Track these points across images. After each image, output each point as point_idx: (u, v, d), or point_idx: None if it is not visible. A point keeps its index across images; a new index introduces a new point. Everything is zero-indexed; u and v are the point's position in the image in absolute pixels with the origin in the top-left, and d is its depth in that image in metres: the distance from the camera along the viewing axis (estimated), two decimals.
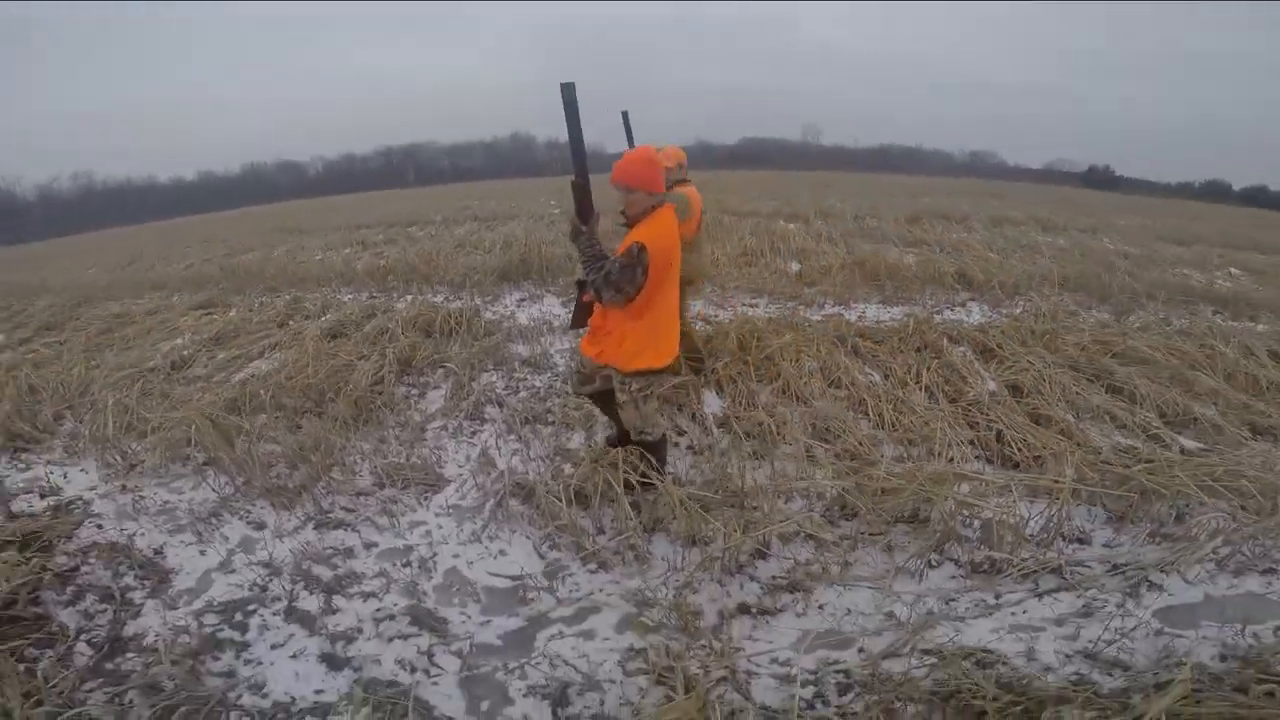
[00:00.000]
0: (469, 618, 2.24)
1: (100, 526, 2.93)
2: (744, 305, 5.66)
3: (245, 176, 78.18)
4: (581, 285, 2.49)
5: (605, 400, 2.79)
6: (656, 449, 2.72)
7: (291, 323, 5.90)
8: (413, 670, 2.01)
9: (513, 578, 2.42)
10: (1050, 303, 5.56)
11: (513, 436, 3.38)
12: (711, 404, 3.62)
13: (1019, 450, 3.05)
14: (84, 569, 2.63)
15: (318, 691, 1.97)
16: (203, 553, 2.68)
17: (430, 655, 2.07)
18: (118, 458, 3.53)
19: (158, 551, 2.71)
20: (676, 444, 3.23)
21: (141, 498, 3.16)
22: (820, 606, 2.19)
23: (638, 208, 2.36)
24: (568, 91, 2.15)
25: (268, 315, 6.19)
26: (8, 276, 13.33)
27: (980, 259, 7.24)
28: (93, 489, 3.30)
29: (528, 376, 4.18)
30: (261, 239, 13.87)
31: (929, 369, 3.89)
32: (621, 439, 2.87)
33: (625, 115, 3.14)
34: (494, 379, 4.13)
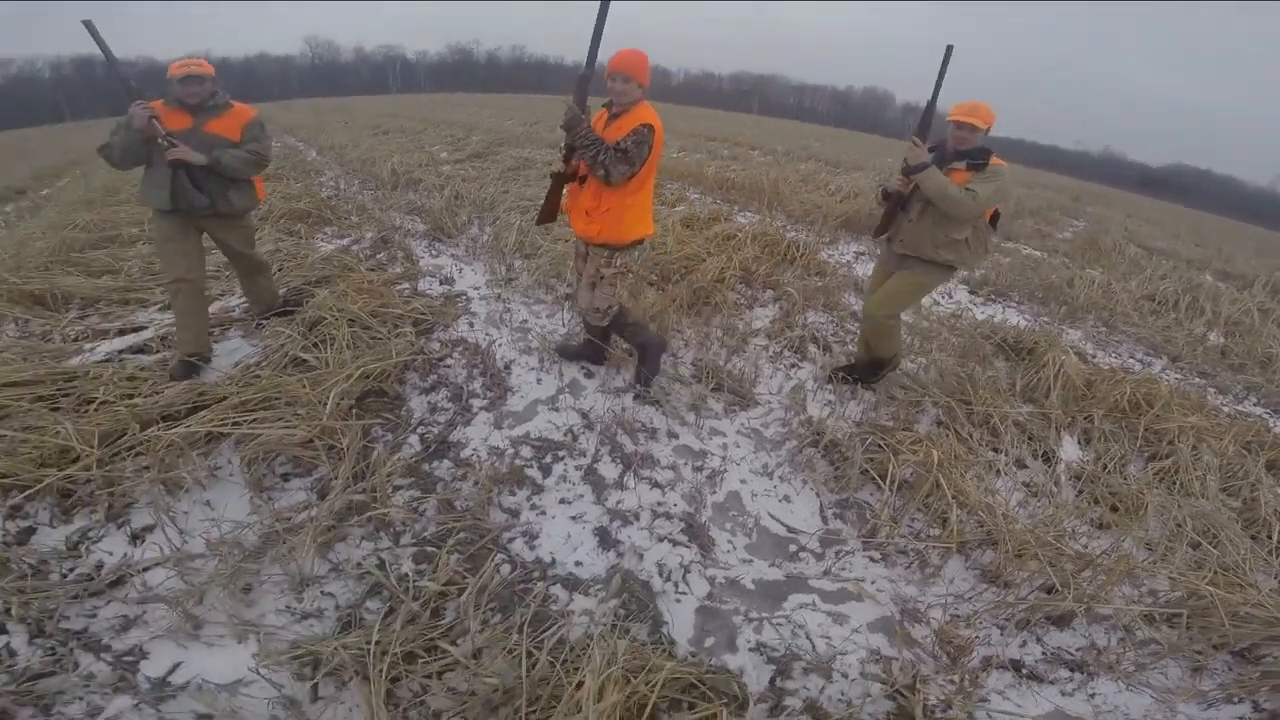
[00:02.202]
0: (734, 549, 2.24)
1: (472, 325, 3.53)
2: (1135, 358, 4.59)
3: (449, 57, 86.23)
4: (558, 178, 2.67)
5: (619, 327, 2.95)
6: (636, 330, 2.95)
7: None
8: (667, 578, 2.04)
9: (790, 529, 2.37)
10: None
11: (829, 387, 3.32)
12: (1070, 451, 3.09)
13: None
14: (448, 362, 3.10)
15: (578, 564, 2.06)
16: (539, 381, 3.02)
17: (687, 571, 2.08)
18: (502, 269, 4.30)
19: (506, 366, 3.11)
20: (1014, 476, 2.87)
21: (508, 310, 3.74)
22: (1092, 695, 1.88)
23: (629, 97, 2.46)
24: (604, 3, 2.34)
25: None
26: (454, 115, 17.42)
27: None
28: (477, 289, 4.07)
29: (855, 330, 4.05)
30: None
31: None
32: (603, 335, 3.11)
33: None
34: (823, 320, 4.09)
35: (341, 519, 2.10)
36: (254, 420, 2.36)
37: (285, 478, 2.32)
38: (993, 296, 5.44)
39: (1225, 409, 3.86)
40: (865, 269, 5.40)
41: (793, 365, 3.53)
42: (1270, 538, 2.62)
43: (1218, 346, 5.15)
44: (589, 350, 3.17)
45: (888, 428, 2.86)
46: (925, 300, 4.78)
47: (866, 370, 3.30)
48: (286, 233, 4.91)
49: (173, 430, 2.25)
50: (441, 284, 4.17)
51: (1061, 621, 2.08)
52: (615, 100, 2.51)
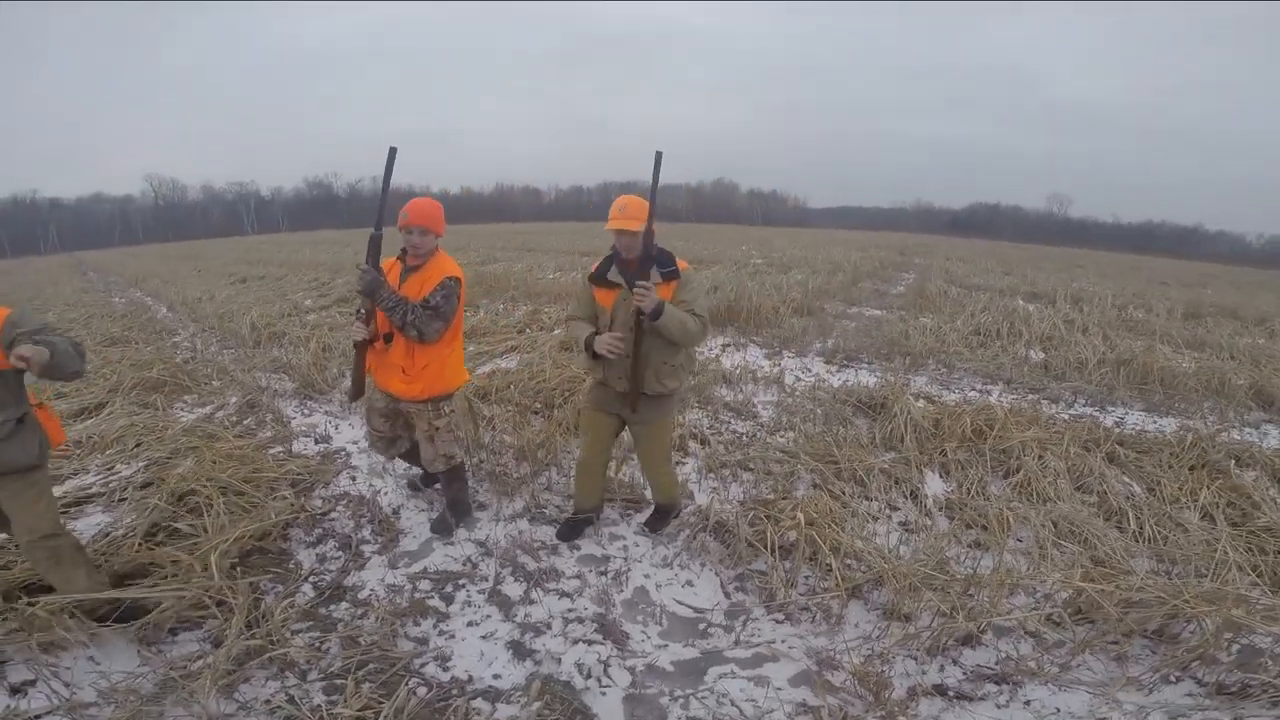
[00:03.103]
0: (648, 638, 2.32)
1: (354, 479, 3.50)
2: (974, 389, 5.26)
3: (495, 196, 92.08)
4: (361, 347, 2.59)
5: (413, 452, 2.94)
6: (458, 477, 2.93)
7: (529, 330, 6.83)
8: (588, 675, 2.10)
9: (696, 609, 2.47)
10: None
11: (712, 476, 3.52)
12: (934, 485, 3.44)
13: None
14: (332, 515, 3.10)
15: (496, 676, 2.10)
16: (430, 520, 3.04)
17: (606, 665, 2.15)
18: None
19: (395, 511, 3.14)
20: (890, 518, 3.14)
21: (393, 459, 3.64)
22: (1027, 703, 2.02)
23: (426, 248, 2.49)
24: (390, 155, 2.40)
25: (510, 321, 7.23)
26: (317, 256, 17.18)
27: None
28: (355, 443, 3.98)
29: (730, 420, 4.33)
30: (506, 253, 16.16)
31: (1209, 488, 3.30)
32: (426, 480, 3.17)
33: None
34: (699, 417, 4.34)
35: (241, 663, 2.05)
36: (131, 588, 2.31)
37: (173, 631, 2.26)
38: (845, 362, 5.99)
39: (1061, 416, 4.49)
40: (732, 360, 5.79)
41: (677, 463, 3.69)
42: (1130, 524, 3.01)
43: (1040, 362, 6.05)
44: (455, 504, 2.99)
45: (768, 500, 3.08)
46: (788, 378, 5.24)
47: (658, 520, 3.01)
48: (140, 405, 4.52)
49: (41, 603, 2.13)
50: (317, 443, 4.03)
51: (970, 640, 2.24)
52: (412, 252, 2.49)
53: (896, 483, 3.40)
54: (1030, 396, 5.03)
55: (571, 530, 2.91)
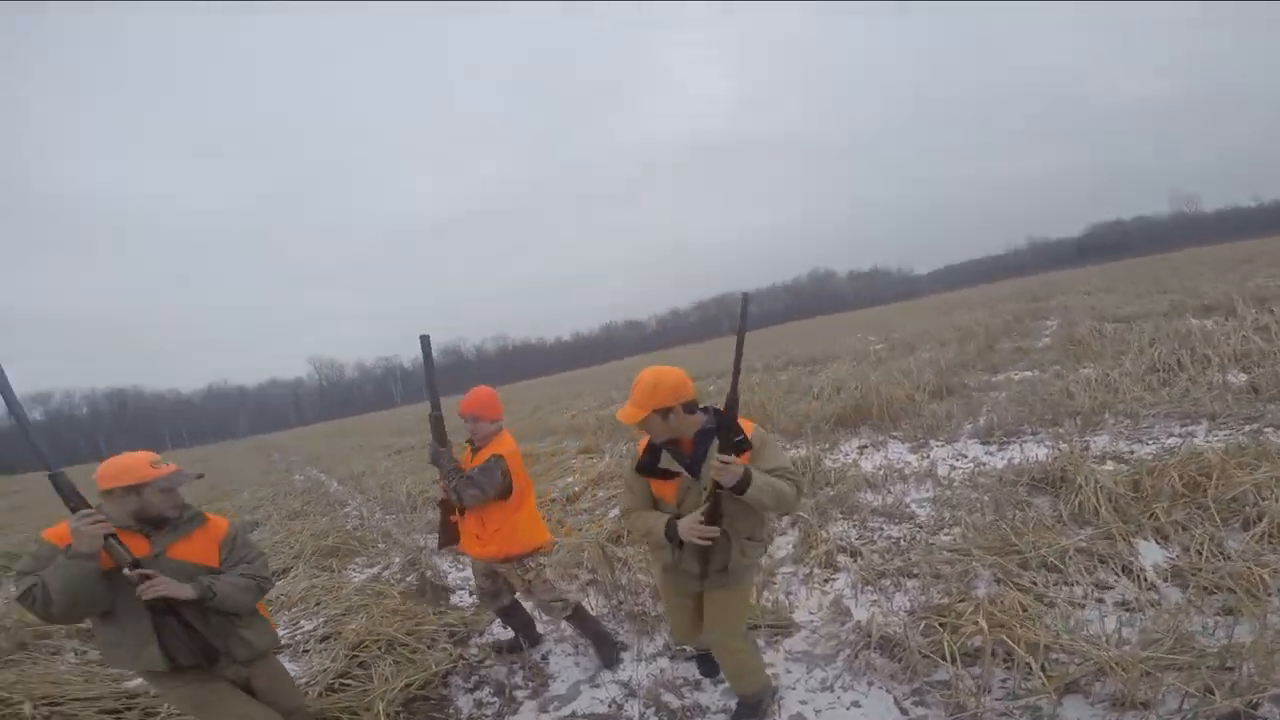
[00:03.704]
0: None
1: (505, 628, 3.50)
2: (1172, 436, 4.47)
3: (602, 335, 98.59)
4: (444, 505, 2.86)
5: (513, 612, 3.14)
6: (583, 616, 3.00)
7: None
8: None
9: None
10: None
11: (870, 588, 3.20)
12: (1151, 555, 2.85)
13: None
14: (487, 662, 3.25)
15: None
16: (577, 664, 3.07)
17: None
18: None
19: (544, 657, 3.19)
20: (1102, 600, 2.66)
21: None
22: None
23: (483, 432, 2.79)
24: (425, 343, 2.63)
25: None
26: (455, 421, 18.85)
27: None
28: None
29: (882, 526, 3.96)
30: (622, 393, 16.77)
31: None
32: (530, 639, 3.24)
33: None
34: (845, 528, 4.01)
35: None
36: None
37: None
38: (1004, 439, 5.32)
39: None
40: (872, 461, 5.33)
41: (826, 580, 3.43)
42: None
43: (1244, 385, 5.04)
44: (597, 638, 3.04)
45: (942, 604, 2.76)
46: (941, 470, 4.76)
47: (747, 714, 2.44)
48: (319, 568, 5.13)
49: None
50: (470, 595, 4.23)
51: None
52: (470, 435, 2.84)
53: (1101, 561, 2.88)
54: (1246, 429, 4.18)
55: (713, 664, 2.68)
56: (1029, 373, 7.75)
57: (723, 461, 1.86)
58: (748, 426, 2.06)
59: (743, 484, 1.88)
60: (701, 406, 2.11)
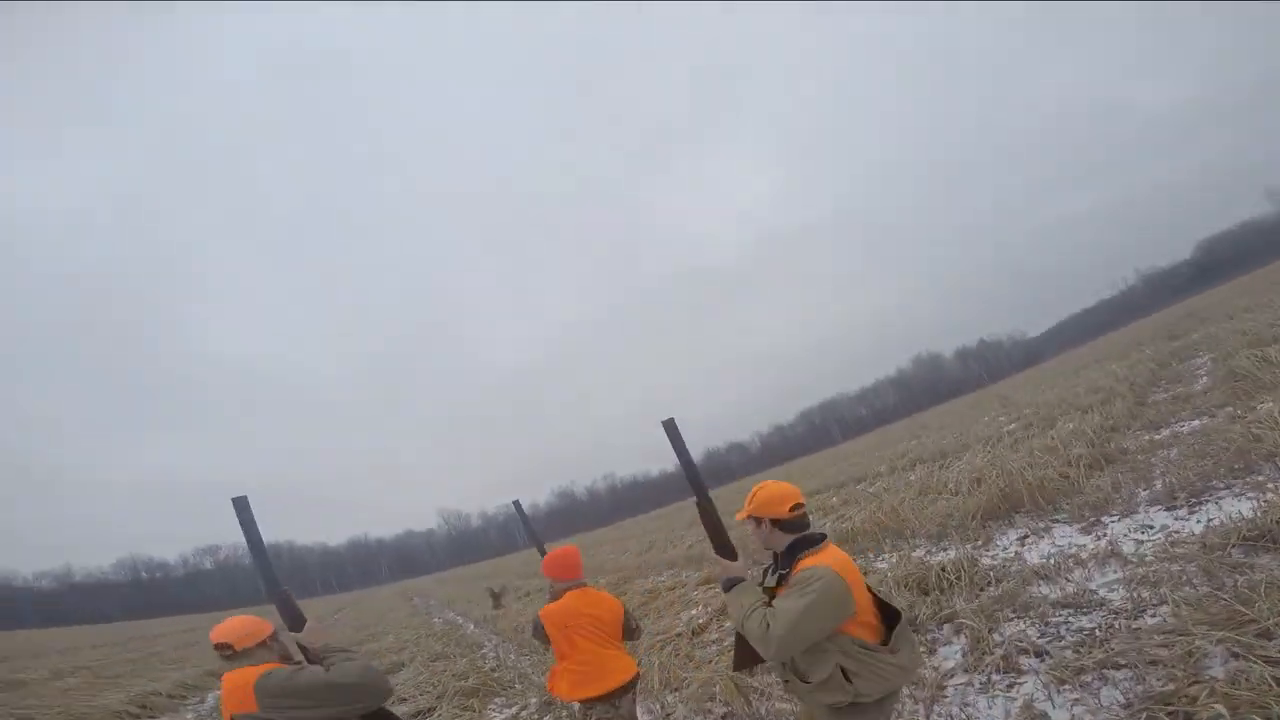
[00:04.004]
0: None
1: None
2: None
3: (709, 461, 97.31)
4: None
5: None
6: None
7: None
8: None
9: None
10: None
11: (1066, 687, 2.78)
12: None
13: None
14: None
15: None
16: None
17: None
18: (658, 707, 4.27)
19: None
20: None
21: None
22: None
23: (553, 590, 2.84)
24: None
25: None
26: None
27: None
28: None
29: (1068, 619, 3.47)
30: (729, 521, 16.19)
31: None
32: None
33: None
34: (1022, 627, 3.55)
35: None
36: None
37: None
38: (1193, 501, 4.65)
39: None
40: (1038, 551, 4.79)
41: (1010, 685, 3.04)
42: None
43: None
44: None
45: (1168, 692, 2.37)
46: (1126, 547, 4.20)
47: None
48: (461, 708, 5.25)
49: None
50: None
51: None
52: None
53: None
54: None
55: None
56: (1197, 422, 6.81)
57: (714, 559, 2.14)
58: (811, 561, 1.91)
59: (724, 585, 2.10)
60: (806, 534, 2.00)
